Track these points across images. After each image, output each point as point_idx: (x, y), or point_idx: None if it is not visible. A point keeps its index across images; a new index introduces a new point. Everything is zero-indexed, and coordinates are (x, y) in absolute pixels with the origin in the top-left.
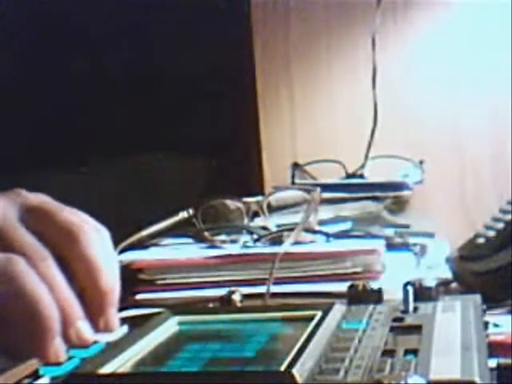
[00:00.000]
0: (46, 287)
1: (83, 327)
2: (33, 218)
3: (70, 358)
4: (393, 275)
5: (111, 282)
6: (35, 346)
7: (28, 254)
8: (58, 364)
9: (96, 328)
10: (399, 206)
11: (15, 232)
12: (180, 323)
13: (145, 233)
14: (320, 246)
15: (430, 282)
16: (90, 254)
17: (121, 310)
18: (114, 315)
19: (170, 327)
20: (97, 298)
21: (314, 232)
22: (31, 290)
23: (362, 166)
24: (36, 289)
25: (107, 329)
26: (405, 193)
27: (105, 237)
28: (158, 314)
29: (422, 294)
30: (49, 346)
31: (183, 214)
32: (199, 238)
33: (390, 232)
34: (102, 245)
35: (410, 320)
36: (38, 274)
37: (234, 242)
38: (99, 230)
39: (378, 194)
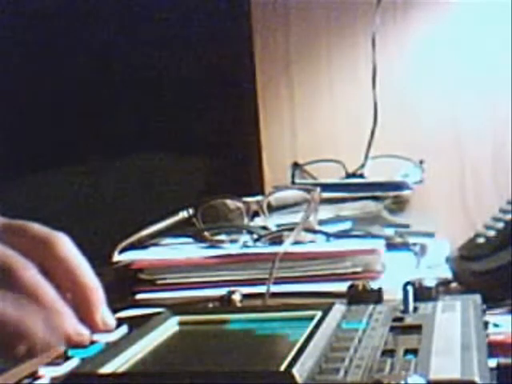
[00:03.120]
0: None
1: (80, 326)
2: (7, 235)
3: (69, 358)
4: (393, 275)
5: (95, 279)
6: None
7: (10, 264)
8: (57, 364)
9: (94, 327)
10: (399, 205)
11: None
12: (180, 323)
13: (145, 233)
14: (320, 245)
15: (430, 282)
16: (69, 255)
17: (121, 309)
18: (108, 312)
19: (169, 327)
20: (87, 295)
21: (314, 232)
22: None
23: (362, 166)
24: None
25: (106, 326)
26: (405, 193)
27: (72, 243)
28: (158, 313)
29: (422, 293)
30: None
31: (183, 214)
32: (199, 238)
33: (389, 232)
34: (75, 249)
35: (409, 320)
36: (24, 279)
37: (233, 241)
38: (66, 237)
39: (378, 193)
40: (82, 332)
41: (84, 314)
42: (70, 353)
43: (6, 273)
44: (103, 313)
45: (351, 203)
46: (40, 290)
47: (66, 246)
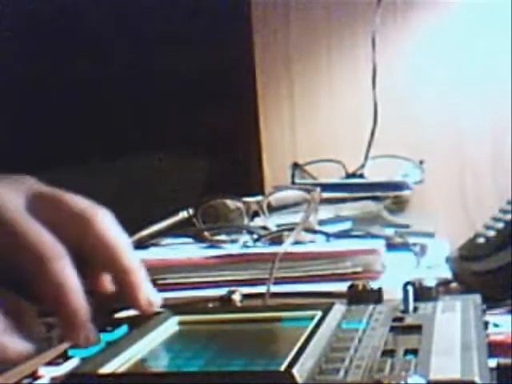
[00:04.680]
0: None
1: (91, 332)
2: (42, 207)
3: (69, 358)
4: (393, 275)
5: (135, 258)
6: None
7: (42, 253)
8: (57, 364)
9: (139, 308)
10: (399, 205)
11: (26, 225)
12: (180, 323)
13: (145, 233)
14: (320, 245)
15: (430, 282)
16: (109, 233)
17: (121, 310)
18: (152, 289)
19: (169, 327)
20: (128, 278)
21: (314, 232)
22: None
23: (362, 166)
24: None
25: (151, 305)
26: (405, 193)
27: (114, 219)
28: (158, 314)
29: (422, 294)
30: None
31: (183, 214)
32: (199, 238)
33: (390, 232)
34: (116, 226)
35: (410, 320)
36: (53, 273)
37: (234, 242)
38: (107, 212)
39: (378, 193)
40: (92, 338)
41: (127, 296)
42: (70, 352)
43: (37, 263)
44: (147, 292)
45: (351, 203)
46: (66, 291)
47: (104, 222)
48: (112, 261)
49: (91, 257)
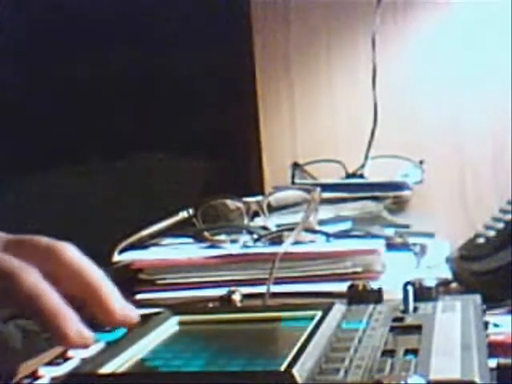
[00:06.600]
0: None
1: (84, 329)
2: (8, 248)
3: (69, 358)
4: (393, 275)
5: (101, 276)
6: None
7: (14, 271)
8: (57, 364)
9: (114, 320)
10: (399, 205)
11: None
12: (180, 323)
13: (145, 233)
14: (320, 245)
15: (430, 282)
16: (73, 259)
17: None
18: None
19: (169, 327)
20: (96, 292)
21: (314, 232)
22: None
23: (362, 166)
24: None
25: (126, 316)
26: (405, 193)
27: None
28: (158, 313)
29: (422, 294)
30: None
31: (183, 214)
32: (199, 238)
33: (389, 232)
34: (79, 253)
35: (410, 320)
36: (26, 287)
37: (234, 242)
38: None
39: (378, 193)
40: (85, 335)
41: (99, 310)
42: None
43: (8, 278)
44: (119, 303)
45: (351, 203)
46: (41, 294)
47: (69, 251)
48: (78, 281)
49: (58, 282)
